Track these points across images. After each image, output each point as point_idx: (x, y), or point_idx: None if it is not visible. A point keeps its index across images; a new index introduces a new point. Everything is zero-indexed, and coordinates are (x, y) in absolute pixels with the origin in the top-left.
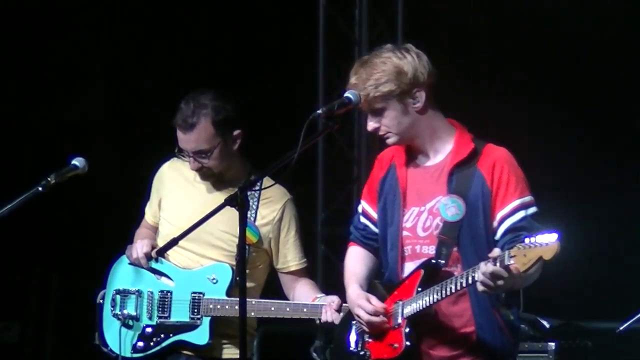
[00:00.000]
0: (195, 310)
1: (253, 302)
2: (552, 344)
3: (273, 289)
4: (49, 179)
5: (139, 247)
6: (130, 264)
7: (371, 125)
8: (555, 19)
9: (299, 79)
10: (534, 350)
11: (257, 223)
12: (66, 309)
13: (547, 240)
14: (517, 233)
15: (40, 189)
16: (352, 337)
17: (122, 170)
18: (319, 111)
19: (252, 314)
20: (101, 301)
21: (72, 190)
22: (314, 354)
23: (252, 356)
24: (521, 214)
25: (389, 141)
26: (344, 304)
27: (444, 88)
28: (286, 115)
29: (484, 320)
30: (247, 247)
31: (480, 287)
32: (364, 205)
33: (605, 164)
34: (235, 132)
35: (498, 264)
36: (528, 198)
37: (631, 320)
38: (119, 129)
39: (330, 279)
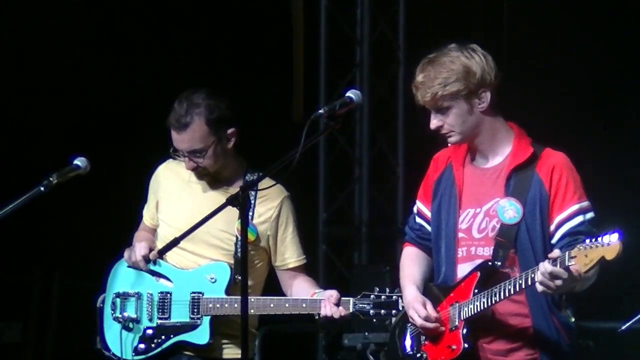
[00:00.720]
0: (195, 310)
1: (252, 300)
2: None
3: (272, 287)
4: (50, 178)
5: (137, 249)
6: (129, 266)
7: (435, 123)
8: (552, 15)
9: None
10: None
11: (254, 221)
12: (68, 308)
13: (609, 240)
14: (575, 237)
15: (42, 188)
16: (408, 340)
17: (124, 170)
18: (321, 111)
19: (252, 311)
20: (101, 305)
21: (73, 190)
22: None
23: (253, 356)
24: (579, 219)
25: (452, 140)
26: (343, 298)
27: None
28: (287, 114)
29: (540, 320)
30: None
31: (539, 288)
32: (419, 206)
33: (609, 166)
34: (230, 131)
35: (558, 265)
36: (586, 203)
37: (633, 320)
38: (121, 129)
39: (331, 279)
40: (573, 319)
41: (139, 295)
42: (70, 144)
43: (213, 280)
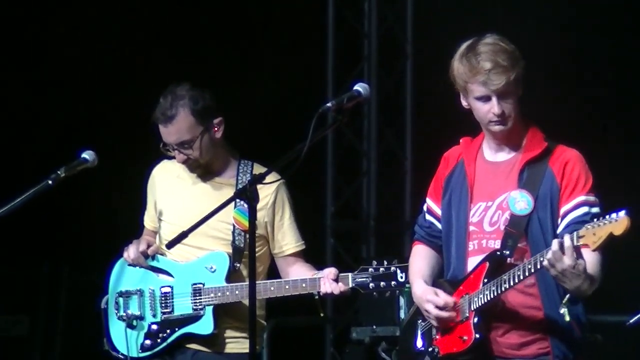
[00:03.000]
0: (197, 301)
1: None
2: None
3: (272, 274)
4: (58, 172)
5: (135, 247)
6: (129, 265)
7: (498, 110)
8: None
9: (309, 72)
10: None
11: None
12: (76, 302)
13: (616, 217)
14: (579, 227)
15: (50, 182)
16: (419, 338)
17: (133, 163)
18: (329, 104)
19: None
20: (105, 306)
21: (82, 183)
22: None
23: (261, 349)
24: (584, 210)
25: (504, 128)
26: (341, 274)
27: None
28: (295, 108)
29: (553, 312)
30: (242, 233)
31: (545, 264)
32: (429, 203)
33: (617, 160)
34: (216, 120)
35: (566, 243)
36: (593, 198)
37: None
38: (132, 122)
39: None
40: (578, 313)
41: (141, 292)
42: (79, 138)
43: (213, 270)
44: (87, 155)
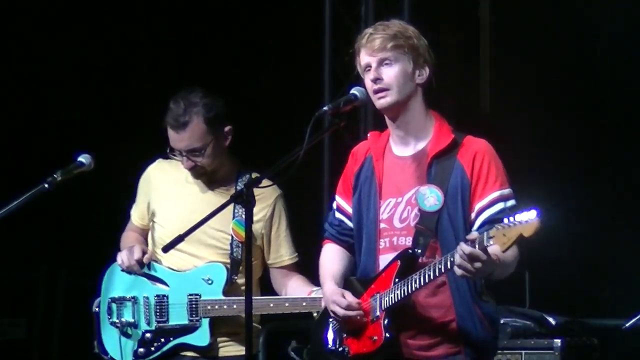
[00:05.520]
0: (194, 313)
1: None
2: (558, 341)
3: (265, 286)
4: (55, 176)
5: (130, 254)
6: (122, 270)
7: (374, 74)
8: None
9: (305, 75)
10: (540, 347)
11: None
12: (73, 306)
13: (527, 218)
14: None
15: (46, 186)
16: (330, 335)
17: (131, 168)
18: (325, 108)
19: (252, 311)
20: (97, 309)
21: (79, 186)
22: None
23: (257, 352)
24: (500, 206)
25: (385, 100)
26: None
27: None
28: (292, 111)
29: (464, 311)
30: (241, 245)
31: (458, 271)
32: (338, 201)
33: (608, 163)
34: (227, 129)
35: (477, 246)
36: (507, 191)
37: (637, 317)
38: (128, 127)
39: None
40: (492, 307)
41: (135, 300)
42: (76, 141)
43: (209, 282)
44: (83, 158)
